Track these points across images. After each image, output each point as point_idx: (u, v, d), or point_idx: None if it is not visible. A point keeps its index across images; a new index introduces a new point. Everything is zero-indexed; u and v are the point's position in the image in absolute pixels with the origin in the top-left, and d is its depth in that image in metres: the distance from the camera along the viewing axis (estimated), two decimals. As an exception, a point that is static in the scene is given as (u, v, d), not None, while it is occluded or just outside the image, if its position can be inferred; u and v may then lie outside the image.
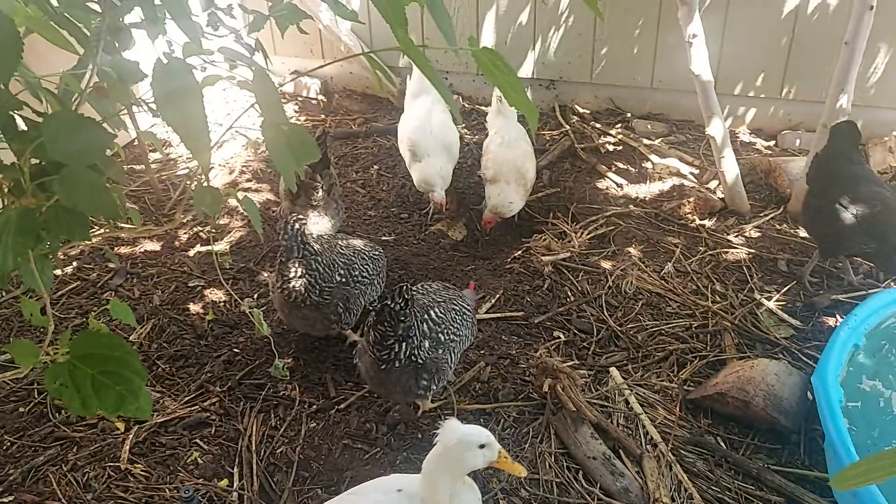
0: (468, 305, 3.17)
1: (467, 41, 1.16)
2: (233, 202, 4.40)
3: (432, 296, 3.07)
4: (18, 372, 3.24)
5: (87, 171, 1.10)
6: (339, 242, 3.48)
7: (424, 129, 4.33)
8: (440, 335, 2.93)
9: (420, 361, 2.85)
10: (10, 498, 2.83)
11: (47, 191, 1.16)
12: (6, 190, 1.18)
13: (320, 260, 3.25)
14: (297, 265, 3.18)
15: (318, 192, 3.80)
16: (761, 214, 4.34)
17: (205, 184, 1.34)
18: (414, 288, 3.07)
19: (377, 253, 3.55)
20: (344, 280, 3.31)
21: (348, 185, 4.86)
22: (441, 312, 2.98)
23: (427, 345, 2.88)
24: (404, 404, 3.14)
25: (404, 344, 2.79)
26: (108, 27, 1.26)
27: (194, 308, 3.79)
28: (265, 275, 4.00)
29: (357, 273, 3.36)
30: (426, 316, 2.93)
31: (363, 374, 2.97)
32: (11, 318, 3.71)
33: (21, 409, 3.23)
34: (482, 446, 2.19)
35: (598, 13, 1.33)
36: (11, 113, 1.26)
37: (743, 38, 4.87)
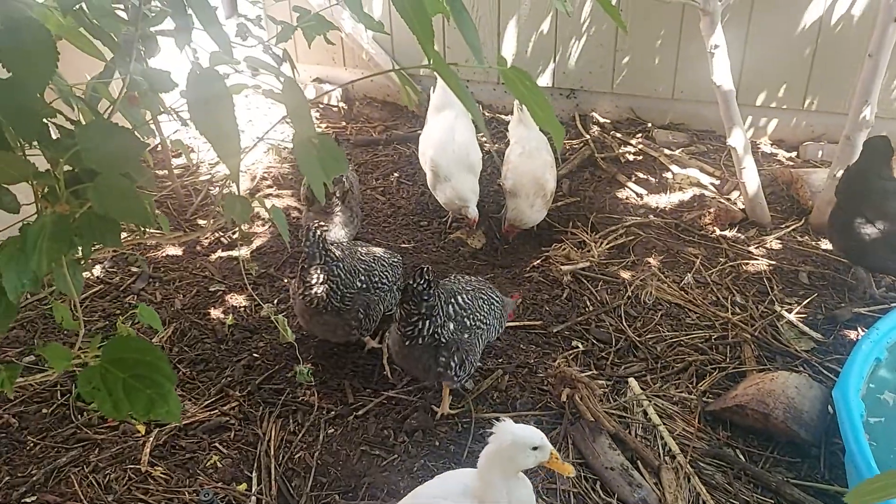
0: (497, 297, 3.26)
1: (496, 60, 1.17)
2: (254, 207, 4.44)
3: (463, 285, 3.19)
4: (46, 375, 3.30)
5: (120, 179, 1.12)
6: (360, 249, 3.51)
7: (447, 148, 4.22)
8: (466, 319, 3.05)
9: (443, 340, 2.98)
10: (33, 498, 2.87)
11: (80, 197, 1.19)
12: (40, 196, 1.21)
13: (342, 266, 3.28)
14: (318, 271, 3.20)
15: (332, 199, 3.85)
16: (782, 226, 4.32)
17: (234, 192, 1.36)
18: (448, 279, 3.26)
19: (396, 260, 3.58)
20: (364, 286, 3.33)
21: (368, 192, 4.89)
22: (468, 299, 3.11)
23: (452, 326, 3.01)
24: (422, 412, 3.16)
25: (427, 322, 2.93)
26: (139, 37, 1.29)
27: (215, 312, 3.83)
28: (285, 280, 4.03)
29: (377, 279, 3.38)
30: (453, 300, 3.07)
31: (391, 349, 3.13)
32: (36, 320, 3.76)
33: (44, 411, 3.27)
34: (535, 448, 2.22)
35: (622, 24, 1.34)
36: (45, 121, 1.30)
37: (765, 49, 4.85)
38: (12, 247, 1.14)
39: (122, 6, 1.59)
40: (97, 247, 1.36)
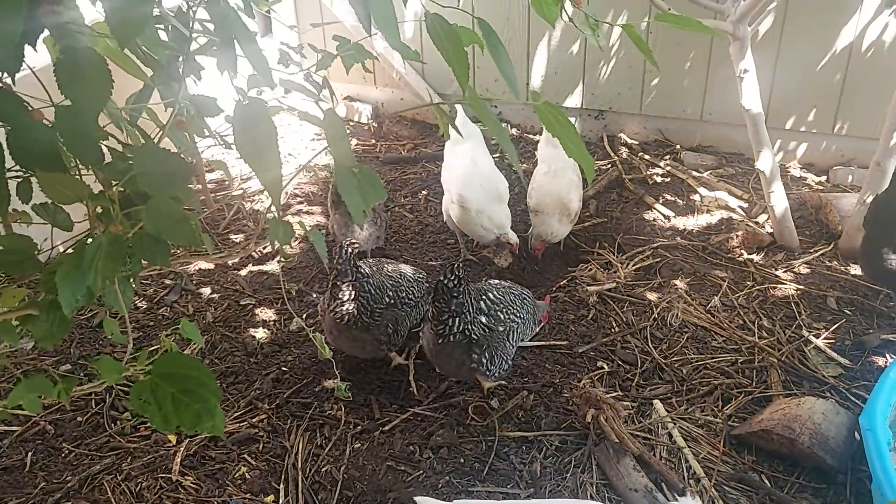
0: (529, 295, 3.38)
1: (530, 96, 1.22)
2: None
3: (493, 284, 3.34)
4: (95, 385, 3.39)
5: (170, 202, 1.19)
6: (387, 266, 3.58)
7: (473, 182, 4.18)
8: (499, 313, 3.17)
9: (474, 337, 3.09)
10: (68, 504, 2.95)
11: (132, 218, 1.25)
12: (94, 216, 1.28)
13: (371, 282, 3.34)
14: (349, 287, 3.26)
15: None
16: (811, 250, 4.31)
17: (277, 216, 1.42)
18: (479, 283, 3.37)
19: (421, 276, 3.65)
20: (392, 302, 3.39)
21: (396, 209, 4.96)
22: (499, 294, 3.24)
23: (483, 320, 3.13)
24: (448, 429, 3.19)
25: (457, 319, 3.05)
26: (188, 64, 1.36)
27: (245, 326, 3.90)
28: (314, 295, 4.10)
29: (404, 295, 3.44)
30: (483, 297, 3.18)
31: (424, 348, 3.25)
32: (72, 330, 3.86)
33: (79, 419, 3.36)
34: None
35: (653, 61, 1.38)
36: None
37: (795, 73, 4.86)
38: (68, 264, 1.21)
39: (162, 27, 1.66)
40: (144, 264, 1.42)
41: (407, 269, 3.62)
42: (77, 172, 1.27)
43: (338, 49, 1.87)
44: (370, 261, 3.60)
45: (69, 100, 1.30)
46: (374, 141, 5.90)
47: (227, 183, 5.23)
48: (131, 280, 1.30)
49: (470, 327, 3.09)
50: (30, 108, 1.36)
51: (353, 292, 3.27)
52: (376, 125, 6.05)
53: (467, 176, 4.19)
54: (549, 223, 4.17)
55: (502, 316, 3.18)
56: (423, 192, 5.14)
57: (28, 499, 2.95)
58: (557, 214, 4.16)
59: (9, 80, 1.31)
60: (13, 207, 1.44)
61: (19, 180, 1.46)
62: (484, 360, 3.13)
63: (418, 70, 5.86)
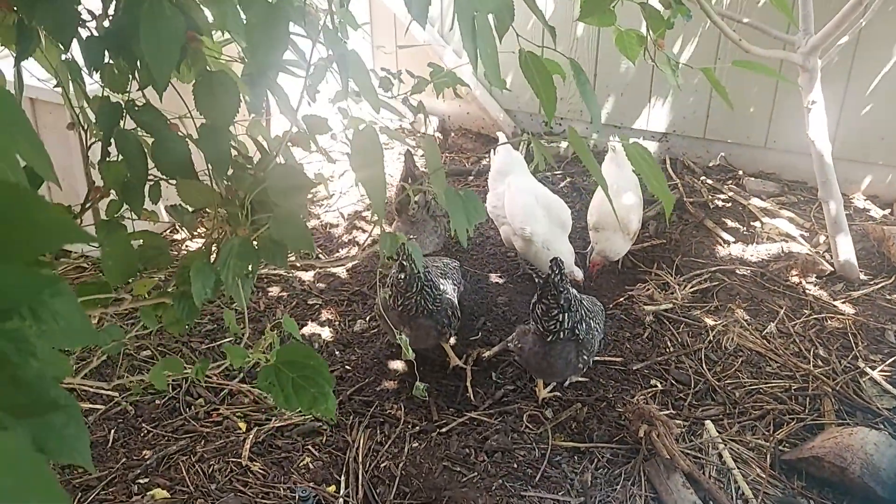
0: (602, 310, 3.59)
1: (620, 138, 1.36)
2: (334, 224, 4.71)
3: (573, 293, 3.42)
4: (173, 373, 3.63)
5: (293, 212, 1.36)
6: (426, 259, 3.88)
7: (537, 215, 4.22)
8: (591, 321, 3.32)
9: (581, 337, 3.23)
10: (146, 480, 3.16)
11: (254, 224, 1.43)
12: (220, 220, 1.46)
13: (430, 272, 3.57)
14: (414, 280, 3.46)
15: (415, 208, 4.30)
16: (871, 283, 4.31)
17: (385, 230, 1.58)
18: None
19: (456, 265, 3.97)
20: (445, 288, 3.65)
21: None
22: (590, 305, 3.42)
23: (584, 326, 3.25)
24: (503, 434, 3.32)
25: (566, 315, 3.15)
26: (307, 89, 1.53)
27: (312, 325, 4.10)
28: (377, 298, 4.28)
29: (451, 278, 3.74)
30: (582, 302, 3.31)
31: (525, 355, 3.35)
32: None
33: (157, 402, 3.59)
34: None
35: (729, 103, 1.50)
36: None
37: (864, 105, 4.87)
38: (199, 261, 1.39)
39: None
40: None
41: (445, 259, 3.94)
42: (211, 182, 1.45)
43: (432, 75, 2.04)
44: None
45: (204, 116, 1.48)
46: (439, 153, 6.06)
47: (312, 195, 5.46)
48: (250, 277, 1.47)
49: (578, 326, 3.21)
50: (169, 122, 1.55)
51: (417, 284, 3.47)
52: (441, 137, 6.22)
53: (531, 210, 4.24)
54: (611, 240, 4.26)
55: (592, 324, 3.33)
56: (486, 205, 5.28)
57: (110, 472, 3.18)
58: (618, 232, 4.25)
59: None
60: (144, 207, 1.64)
61: (151, 184, 1.66)
62: (586, 359, 3.31)
63: (487, 86, 6.02)
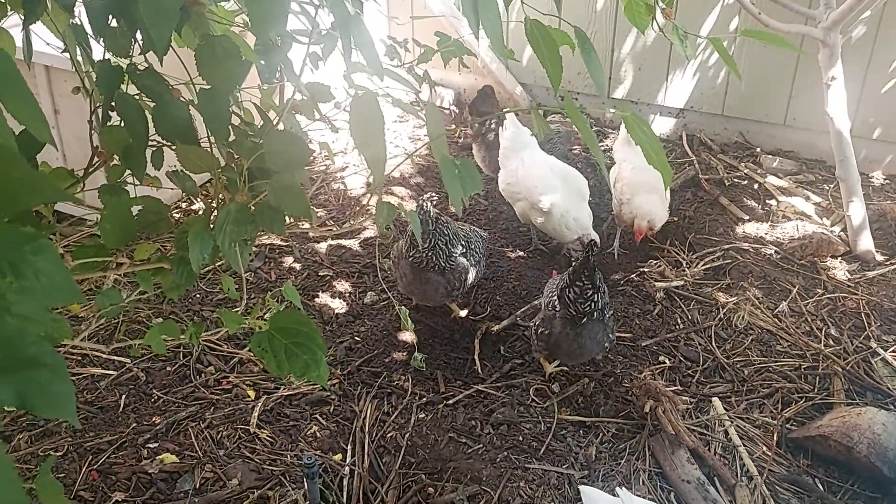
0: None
1: (618, 106, 1.34)
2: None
3: None
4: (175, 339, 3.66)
5: (292, 178, 1.35)
6: (456, 223, 3.86)
7: (553, 185, 4.23)
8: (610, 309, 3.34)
9: (606, 318, 3.28)
10: (156, 444, 3.21)
11: (253, 190, 1.43)
12: (220, 186, 1.46)
13: (447, 230, 3.61)
14: (428, 235, 3.54)
15: (489, 134, 4.74)
16: (887, 263, 4.26)
17: (383, 199, 1.58)
18: None
19: (485, 235, 4.01)
20: (464, 252, 3.68)
21: (473, 196, 5.10)
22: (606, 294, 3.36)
23: (608, 312, 3.29)
24: (509, 407, 3.34)
25: (597, 295, 3.17)
26: (310, 55, 1.52)
27: (323, 296, 4.12)
28: (386, 267, 4.28)
29: (473, 248, 3.76)
30: (604, 289, 3.29)
31: (554, 339, 3.32)
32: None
33: (168, 369, 3.63)
34: None
35: (737, 73, 1.47)
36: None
37: (885, 84, 4.77)
38: (198, 226, 1.39)
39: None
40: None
41: (471, 228, 3.96)
42: (210, 148, 1.45)
43: (439, 45, 2.02)
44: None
45: (206, 81, 1.48)
46: (453, 126, 6.04)
47: (311, 161, 5.45)
48: (248, 244, 1.48)
49: (606, 308, 3.25)
50: (170, 87, 1.55)
51: (431, 239, 3.53)
52: (457, 111, 6.18)
53: (547, 181, 4.24)
54: (650, 201, 4.19)
55: (609, 303, 3.34)
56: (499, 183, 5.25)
57: (121, 436, 3.23)
58: (656, 194, 4.21)
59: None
60: (147, 173, 1.65)
61: (153, 150, 1.66)
62: (612, 338, 3.34)
63: (501, 59, 5.96)
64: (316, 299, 4.09)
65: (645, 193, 4.23)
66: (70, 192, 1.37)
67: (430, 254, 3.57)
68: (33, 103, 0.91)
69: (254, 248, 4.47)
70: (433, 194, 3.63)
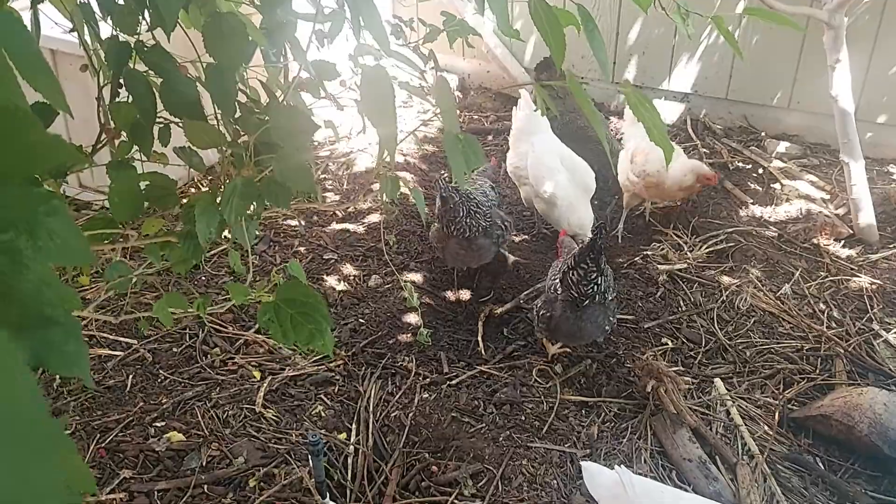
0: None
1: (621, 83, 1.35)
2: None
3: None
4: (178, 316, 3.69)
5: (297, 154, 1.37)
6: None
7: (560, 176, 4.18)
8: (611, 283, 3.32)
9: (609, 298, 3.29)
10: (163, 423, 3.25)
11: (259, 165, 1.45)
12: (228, 162, 1.48)
13: (472, 194, 3.72)
14: (461, 206, 3.64)
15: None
16: (890, 246, 4.27)
17: (388, 173, 1.60)
18: None
19: (489, 184, 4.02)
20: (489, 205, 3.81)
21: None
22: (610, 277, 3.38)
23: (613, 289, 3.32)
24: (512, 388, 3.37)
25: (600, 278, 3.17)
26: (316, 33, 1.54)
27: (328, 279, 4.14)
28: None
29: (488, 199, 3.84)
30: (608, 272, 3.31)
31: (555, 322, 3.32)
32: (169, 269, 4.17)
33: (174, 350, 3.66)
34: None
35: (739, 53, 1.49)
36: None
37: (890, 67, 4.76)
38: (205, 201, 1.41)
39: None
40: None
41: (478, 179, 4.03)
42: (217, 123, 1.47)
43: (444, 24, 2.03)
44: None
45: (213, 58, 1.49)
46: (458, 111, 6.04)
47: (318, 145, 5.47)
48: (254, 219, 1.50)
49: (609, 291, 3.25)
50: (178, 63, 1.56)
51: (464, 209, 3.65)
52: (461, 95, 6.19)
53: (555, 171, 4.20)
54: (674, 167, 4.13)
55: (612, 286, 3.33)
56: (503, 165, 5.26)
57: (128, 415, 3.27)
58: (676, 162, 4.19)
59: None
60: (154, 150, 1.67)
61: (160, 126, 1.68)
62: (613, 321, 3.37)
63: (507, 44, 5.95)
64: (320, 282, 4.12)
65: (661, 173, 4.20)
66: (82, 161, 1.39)
67: (469, 221, 3.67)
68: (49, 73, 0.93)
69: (258, 232, 4.49)
70: (443, 173, 3.71)
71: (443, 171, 4.11)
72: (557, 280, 3.31)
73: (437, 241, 3.84)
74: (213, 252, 4.31)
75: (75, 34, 1.75)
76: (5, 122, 0.70)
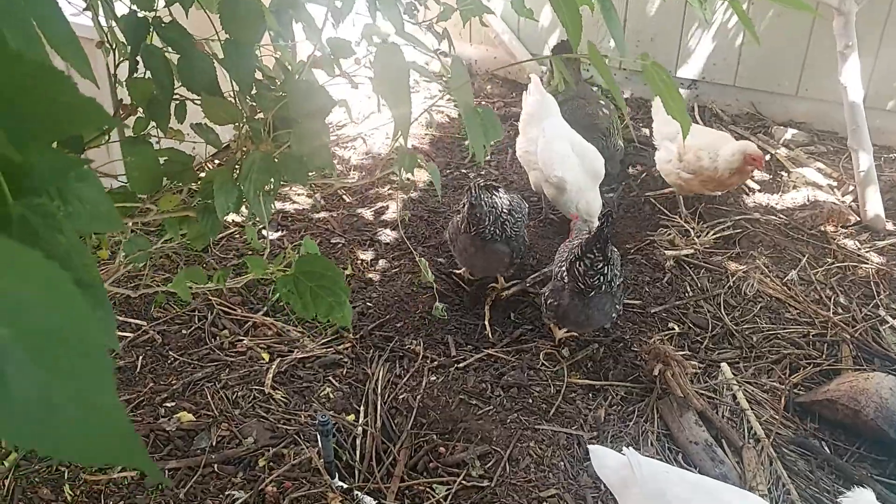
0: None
1: (639, 57, 1.35)
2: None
3: None
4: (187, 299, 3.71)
5: (314, 129, 1.38)
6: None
7: (571, 163, 4.18)
8: (617, 270, 3.32)
9: (614, 289, 3.28)
10: (172, 404, 3.27)
11: (276, 140, 1.46)
12: (244, 137, 1.49)
13: (504, 203, 3.66)
14: (487, 208, 3.58)
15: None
16: (897, 233, 4.27)
17: (404, 148, 1.61)
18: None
19: (525, 206, 3.92)
20: (517, 222, 3.72)
21: (483, 166, 5.12)
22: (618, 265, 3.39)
23: (619, 278, 3.31)
24: (519, 370, 3.38)
25: (607, 267, 3.18)
26: (331, 11, 1.54)
27: (335, 263, 4.16)
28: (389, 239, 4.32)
29: (519, 216, 3.75)
30: (615, 259, 3.32)
31: (562, 310, 3.34)
32: (179, 251, 4.19)
33: (184, 332, 3.69)
34: None
35: (756, 38, 1.49)
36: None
37: (900, 53, 4.75)
38: (223, 175, 1.42)
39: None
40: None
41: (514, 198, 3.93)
42: (234, 99, 1.48)
43: (458, 3, 2.04)
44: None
45: (229, 35, 1.50)
46: (465, 96, 6.03)
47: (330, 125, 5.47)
48: (271, 194, 1.51)
49: (614, 279, 3.25)
50: (195, 40, 1.57)
51: (494, 210, 3.60)
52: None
53: (565, 157, 4.18)
54: (724, 148, 4.15)
55: (619, 273, 3.33)
56: (510, 151, 5.27)
57: (138, 396, 3.29)
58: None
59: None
60: (170, 126, 1.68)
61: (176, 103, 1.69)
62: (619, 308, 3.37)
63: (514, 30, 5.94)
64: (328, 265, 4.13)
65: (717, 145, 4.21)
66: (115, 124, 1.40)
67: (494, 227, 3.59)
68: (75, 41, 0.94)
69: (274, 206, 4.50)
70: (478, 177, 3.63)
71: (450, 158, 4.09)
72: (564, 269, 3.32)
73: (452, 232, 3.78)
74: (221, 235, 4.34)
75: (88, 14, 1.76)
76: (39, 79, 0.70)
